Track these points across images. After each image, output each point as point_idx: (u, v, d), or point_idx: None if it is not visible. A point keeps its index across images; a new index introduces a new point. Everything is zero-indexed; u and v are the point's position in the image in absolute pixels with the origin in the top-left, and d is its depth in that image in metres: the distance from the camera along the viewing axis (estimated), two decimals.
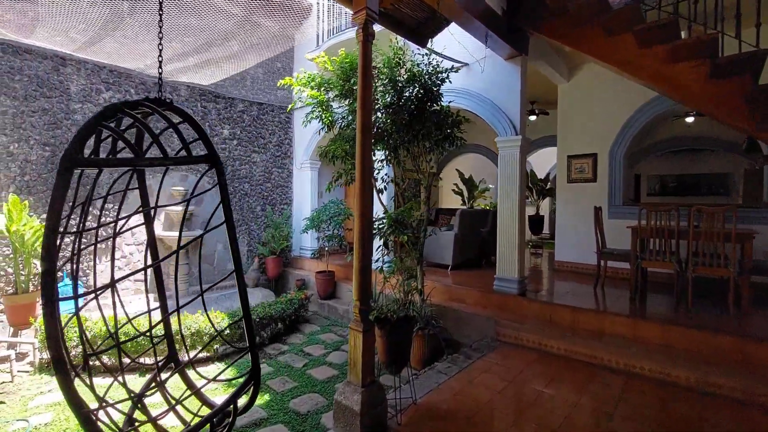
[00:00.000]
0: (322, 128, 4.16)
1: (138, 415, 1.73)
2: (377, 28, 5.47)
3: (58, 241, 1.35)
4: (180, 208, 6.32)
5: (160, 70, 1.82)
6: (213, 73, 6.20)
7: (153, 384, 1.95)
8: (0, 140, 4.84)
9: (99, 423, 1.28)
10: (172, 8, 4.85)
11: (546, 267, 7.15)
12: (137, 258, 6.12)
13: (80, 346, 4.34)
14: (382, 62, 4.05)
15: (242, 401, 1.81)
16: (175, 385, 3.42)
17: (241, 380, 1.74)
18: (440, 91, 4.21)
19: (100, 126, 1.59)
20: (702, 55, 3.23)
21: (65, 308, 5.23)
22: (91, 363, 1.68)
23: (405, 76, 4.12)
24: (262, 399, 3.73)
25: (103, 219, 5.60)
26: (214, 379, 1.89)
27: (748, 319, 3.98)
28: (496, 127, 4.85)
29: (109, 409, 1.47)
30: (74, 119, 5.40)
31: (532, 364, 3.81)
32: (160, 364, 2.14)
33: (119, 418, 1.63)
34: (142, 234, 6.15)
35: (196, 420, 1.67)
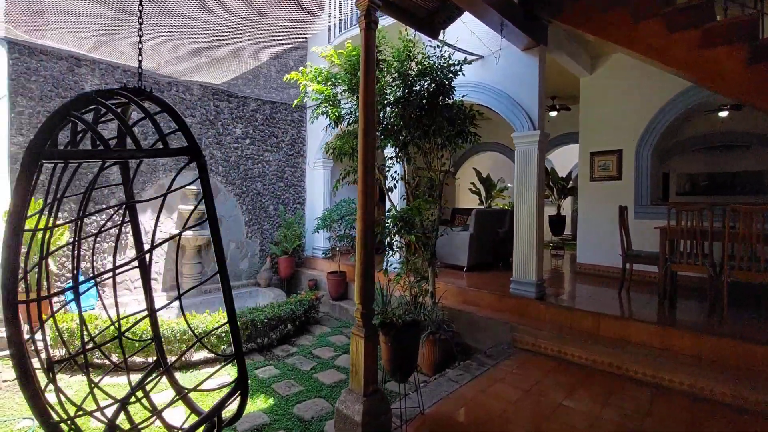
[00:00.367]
0: (330, 124, 4.03)
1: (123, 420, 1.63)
2: (389, 21, 5.34)
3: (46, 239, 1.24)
4: (189, 207, 6.31)
5: (140, 58, 1.72)
6: (225, 72, 6.18)
7: (150, 384, 1.84)
8: (17, 140, 4.91)
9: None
10: (183, 6, 4.82)
11: (567, 269, 6.83)
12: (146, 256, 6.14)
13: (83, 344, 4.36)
14: (392, 55, 3.89)
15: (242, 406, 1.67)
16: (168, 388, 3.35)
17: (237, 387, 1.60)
18: (453, 85, 4.02)
19: (70, 116, 1.47)
20: (740, 38, 2.93)
21: (84, 306, 5.29)
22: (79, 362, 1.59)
23: (416, 70, 3.94)
24: (266, 403, 3.63)
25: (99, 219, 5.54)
26: (195, 389, 1.77)
27: None
28: (513, 122, 4.62)
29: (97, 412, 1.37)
30: (88, 118, 5.45)
31: (550, 373, 3.58)
32: (148, 367, 2.02)
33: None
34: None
35: None
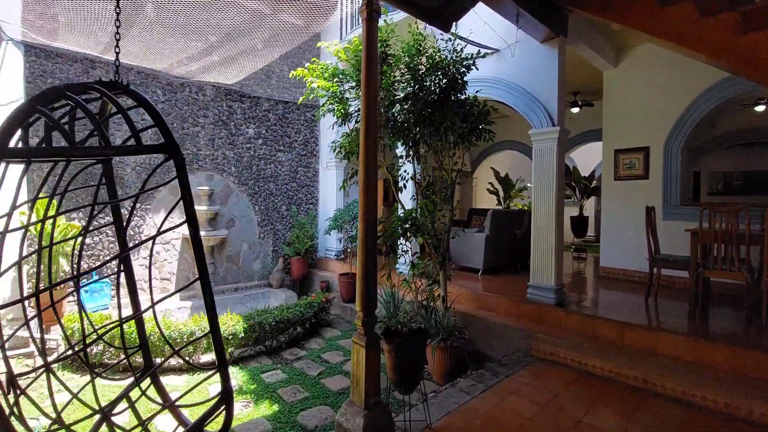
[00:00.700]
0: (337, 122, 3.90)
1: None
2: (398, 16, 5.18)
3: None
4: (204, 208, 6.32)
5: (117, 50, 1.62)
6: (238, 71, 6.14)
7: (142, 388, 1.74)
8: (33, 143, 4.98)
9: None
10: (196, 6, 4.79)
11: (590, 273, 6.51)
12: (164, 257, 6.18)
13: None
14: (401, 49, 3.73)
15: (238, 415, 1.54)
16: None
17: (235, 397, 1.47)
18: (465, 80, 3.83)
19: (36, 111, 1.37)
20: None
21: (91, 306, 5.34)
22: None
23: (427, 65, 3.77)
24: (270, 409, 3.53)
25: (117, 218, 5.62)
26: (172, 405, 1.65)
27: None
28: (531, 118, 4.38)
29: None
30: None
31: (569, 385, 3.34)
32: (136, 374, 1.91)
33: None
34: (168, 234, 6.21)
35: None
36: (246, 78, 6.43)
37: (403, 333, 2.56)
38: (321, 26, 6.20)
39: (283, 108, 7.39)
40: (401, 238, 3.28)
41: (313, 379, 4.12)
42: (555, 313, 4.24)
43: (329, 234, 6.73)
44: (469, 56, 3.82)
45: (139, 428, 1.43)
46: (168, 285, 6.24)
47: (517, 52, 4.43)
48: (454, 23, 3.86)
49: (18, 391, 1.38)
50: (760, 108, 6.23)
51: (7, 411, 1.26)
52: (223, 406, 1.72)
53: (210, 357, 4.44)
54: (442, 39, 4.00)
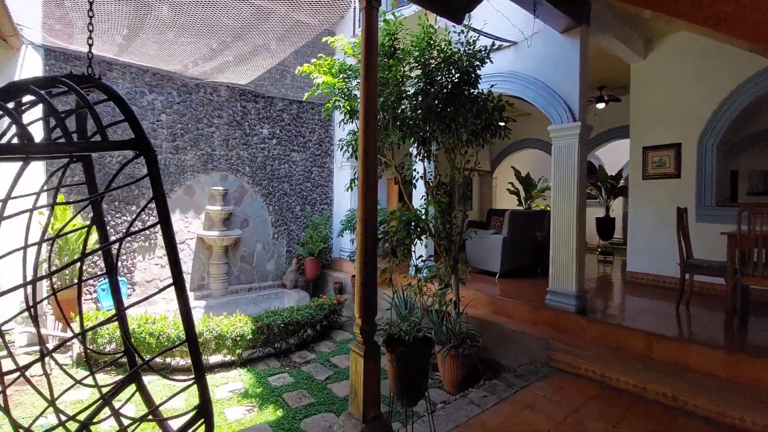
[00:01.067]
0: (344, 120, 3.78)
1: None
2: (409, 11, 5.02)
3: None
4: (218, 208, 6.33)
5: (90, 41, 1.54)
6: (251, 70, 6.12)
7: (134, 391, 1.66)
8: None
9: None
10: (211, 6, 4.78)
11: (616, 278, 6.15)
12: (180, 256, 6.21)
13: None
14: (411, 43, 3.57)
15: None
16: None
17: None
18: (478, 74, 3.63)
19: None
20: None
21: (107, 304, 5.41)
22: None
23: (438, 58, 3.60)
24: (273, 415, 3.43)
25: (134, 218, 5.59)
26: (143, 419, 1.55)
27: None
28: (550, 113, 4.14)
29: None
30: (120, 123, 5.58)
31: (591, 400, 3.10)
32: (116, 386, 1.82)
33: None
34: (183, 233, 6.25)
35: None
36: (260, 78, 6.40)
37: (407, 341, 2.40)
38: (335, 24, 6.10)
39: (297, 107, 7.35)
40: (406, 240, 3.11)
41: (320, 384, 4.01)
42: (576, 321, 3.98)
43: (342, 235, 6.63)
44: (483, 49, 3.62)
45: None
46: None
47: (535, 43, 4.19)
48: (466, 14, 3.67)
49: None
50: None
51: None
52: (202, 420, 1.60)
53: (217, 358, 4.40)
54: (454, 32, 3.81)
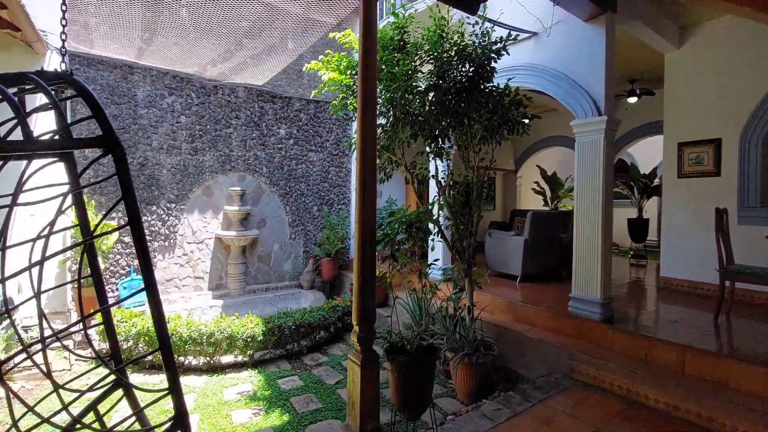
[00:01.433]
0: (353, 117, 3.67)
1: None
2: (422, 5, 4.85)
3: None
4: (236, 208, 6.36)
5: (64, 37, 1.48)
6: (269, 71, 6.12)
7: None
8: None
9: None
10: (228, 10, 4.80)
11: (649, 284, 5.76)
12: (197, 256, 6.30)
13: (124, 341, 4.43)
14: (422, 36, 3.42)
15: None
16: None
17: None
18: (493, 66, 3.44)
19: None
20: None
21: (131, 302, 5.53)
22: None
23: (451, 52, 3.42)
24: (279, 419, 3.36)
25: (165, 216, 5.67)
26: (111, 431, 1.47)
27: None
28: (573, 107, 3.88)
29: None
30: (141, 124, 5.71)
31: (615, 418, 2.85)
32: (104, 390, 1.76)
33: None
34: (202, 233, 6.33)
35: None
36: (277, 78, 6.39)
37: (409, 350, 2.26)
38: (352, 22, 6.01)
39: (314, 107, 7.32)
40: (409, 243, 2.96)
41: (330, 389, 3.91)
42: (601, 331, 3.70)
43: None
44: (499, 40, 3.42)
45: None
46: (201, 283, 6.36)
47: (556, 33, 3.94)
48: (481, 4, 3.48)
49: None
50: None
51: None
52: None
53: (229, 359, 4.39)
54: (468, 23, 3.63)
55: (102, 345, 4.56)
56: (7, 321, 3.99)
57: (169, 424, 1.48)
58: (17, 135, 1.20)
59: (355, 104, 3.49)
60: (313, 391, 3.88)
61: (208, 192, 6.37)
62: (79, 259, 5.08)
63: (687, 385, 2.96)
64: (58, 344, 4.48)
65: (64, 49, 1.47)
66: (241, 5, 4.76)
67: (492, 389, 3.50)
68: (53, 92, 1.63)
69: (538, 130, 9.99)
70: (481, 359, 3.44)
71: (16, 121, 1.27)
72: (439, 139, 3.44)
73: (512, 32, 3.53)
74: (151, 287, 1.39)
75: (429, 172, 3.67)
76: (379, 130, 3.67)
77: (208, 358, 4.32)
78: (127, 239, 5.66)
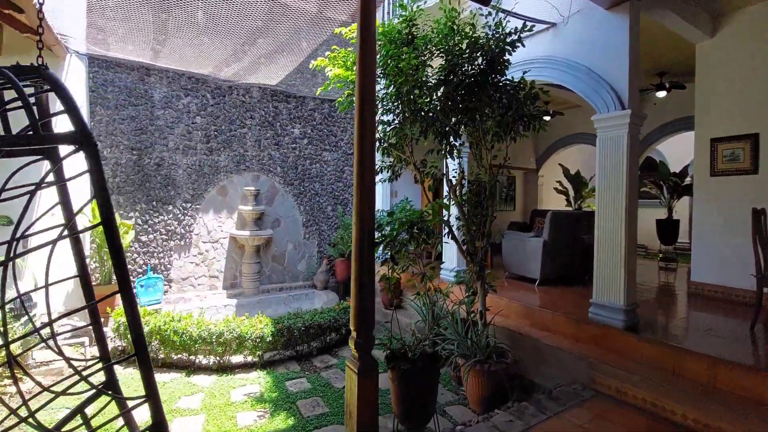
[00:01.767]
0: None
1: None
2: (432, 1, 4.70)
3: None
4: (250, 208, 6.37)
5: (41, 30, 1.43)
6: (282, 70, 6.10)
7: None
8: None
9: None
10: (243, 8, 4.79)
11: (680, 289, 5.42)
12: (212, 255, 6.35)
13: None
14: (431, 29, 3.29)
15: None
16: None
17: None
18: (506, 58, 3.27)
19: None
20: None
21: (144, 300, 5.61)
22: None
23: (462, 44, 3.28)
24: (284, 423, 3.29)
25: (180, 215, 5.68)
26: None
27: None
28: (594, 101, 3.66)
29: None
30: (157, 125, 5.79)
31: None
32: (94, 393, 1.71)
33: None
34: (217, 232, 6.38)
35: None
36: (291, 77, 6.36)
37: (411, 358, 2.14)
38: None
39: (329, 106, 7.27)
40: (411, 245, 2.83)
41: (337, 393, 3.82)
42: (624, 339, 3.47)
43: None
44: (513, 31, 3.25)
45: None
46: (216, 282, 6.41)
47: (575, 23, 3.73)
48: None
49: None
50: None
51: None
52: None
53: (239, 359, 4.37)
54: (481, 14, 3.47)
55: (117, 342, 4.63)
56: (25, 317, 4.09)
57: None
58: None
59: None
60: (321, 394, 3.80)
61: (223, 192, 6.41)
62: (98, 257, 5.19)
63: (719, 400, 2.72)
64: (73, 340, 4.58)
65: (40, 44, 1.42)
66: (255, 4, 4.75)
67: (505, 398, 3.33)
68: (34, 86, 1.59)
69: (561, 128, 9.65)
70: (494, 367, 3.27)
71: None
72: (450, 136, 3.30)
73: (527, 23, 3.35)
74: (125, 289, 1.32)
75: (440, 170, 3.53)
76: (387, 127, 3.57)
77: (217, 358, 4.31)
78: (144, 238, 5.75)
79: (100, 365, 1.59)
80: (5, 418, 1.29)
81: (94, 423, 1.58)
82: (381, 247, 5.90)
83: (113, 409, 1.56)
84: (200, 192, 6.19)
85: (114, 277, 5.19)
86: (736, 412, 2.58)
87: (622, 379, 3.14)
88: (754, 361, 2.98)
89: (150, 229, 5.81)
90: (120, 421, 1.48)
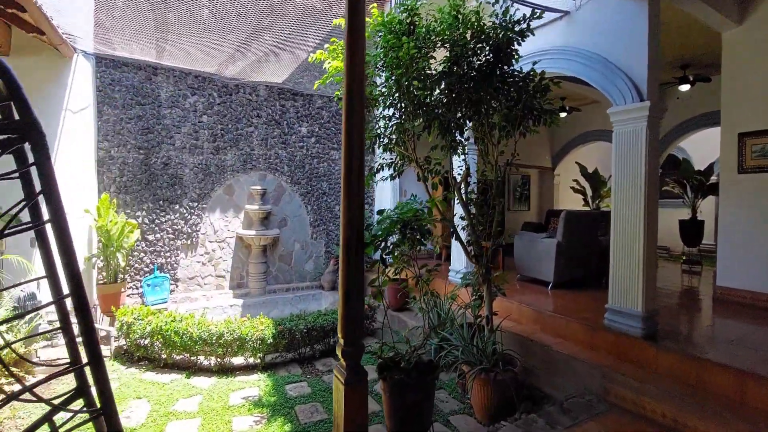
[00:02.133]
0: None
1: None
2: None
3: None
4: (256, 207, 6.32)
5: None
6: (289, 68, 6.02)
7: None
8: (103, 145, 5.40)
9: None
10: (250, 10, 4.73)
11: (705, 293, 5.10)
12: (219, 255, 6.31)
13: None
14: (434, 18, 3.12)
15: None
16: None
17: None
18: (516, 49, 3.08)
19: None
20: None
21: (151, 299, 5.61)
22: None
23: (466, 33, 3.10)
24: (280, 429, 3.18)
25: (188, 216, 5.66)
26: None
27: None
28: (610, 92, 3.44)
29: None
30: (164, 124, 5.78)
31: None
32: (64, 399, 1.60)
33: None
34: (224, 232, 6.34)
35: None
36: (298, 75, 6.28)
37: (405, 368, 1.98)
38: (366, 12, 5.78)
39: (336, 104, 7.16)
40: (405, 246, 2.67)
41: None
42: (642, 349, 3.24)
43: None
44: (522, 18, 3.05)
45: None
46: (222, 282, 6.38)
47: (590, 10, 3.50)
48: None
49: None
50: None
51: None
52: None
53: (240, 360, 4.29)
54: (488, 2, 3.28)
55: (122, 342, 4.60)
56: (30, 315, 4.09)
57: None
58: None
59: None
60: (321, 399, 3.67)
61: (230, 191, 6.37)
62: (104, 256, 5.20)
63: (748, 418, 2.48)
64: (80, 340, 4.58)
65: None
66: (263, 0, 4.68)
67: (513, 408, 3.14)
68: None
69: (578, 124, 9.33)
70: (500, 376, 3.09)
71: None
72: (455, 131, 3.12)
73: (537, 10, 3.14)
74: (76, 294, 1.21)
75: (443, 168, 3.36)
76: (389, 123, 3.42)
77: (218, 359, 4.24)
78: (151, 237, 5.75)
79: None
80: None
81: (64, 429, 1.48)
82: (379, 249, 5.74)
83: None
84: (207, 191, 6.16)
85: (119, 276, 5.19)
86: (762, 429, 2.34)
87: (639, 391, 2.92)
88: None
89: (157, 228, 5.80)
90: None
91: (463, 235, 3.52)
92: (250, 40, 5.30)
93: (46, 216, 1.19)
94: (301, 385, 3.97)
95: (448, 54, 3.17)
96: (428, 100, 3.00)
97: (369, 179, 3.49)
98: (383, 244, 2.68)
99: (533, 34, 3.14)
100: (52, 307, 4.30)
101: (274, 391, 3.85)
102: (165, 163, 5.84)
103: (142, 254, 5.74)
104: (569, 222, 5.09)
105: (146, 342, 4.38)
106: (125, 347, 4.60)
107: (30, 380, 3.97)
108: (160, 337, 4.27)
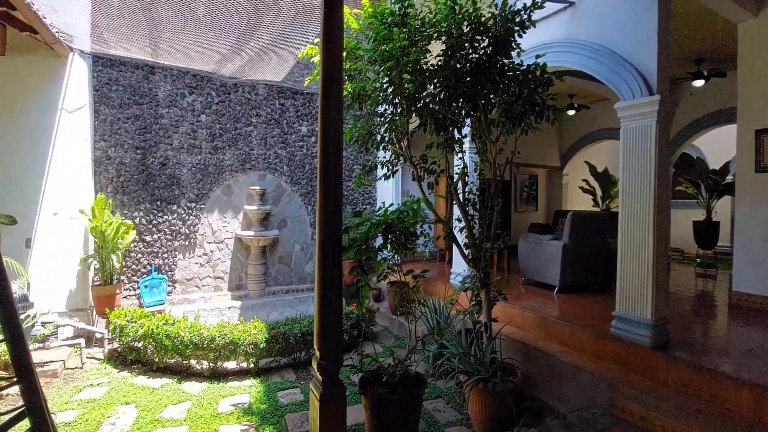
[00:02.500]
0: (354, 107, 3.30)
1: None
2: None
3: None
4: (255, 208, 6.22)
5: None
6: (287, 65, 5.91)
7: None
8: (100, 145, 5.34)
9: None
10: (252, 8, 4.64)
11: (720, 299, 4.85)
12: (217, 256, 6.23)
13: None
14: (430, 10, 2.97)
15: None
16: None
17: None
18: (516, 41, 2.91)
19: None
20: None
21: (148, 301, 5.54)
22: None
23: (464, 25, 2.94)
24: None
25: (190, 219, 5.61)
26: None
27: None
28: (617, 86, 3.25)
29: None
30: (162, 123, 5.72)
31: None
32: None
33: None
34: (222, 233, 6.26)
35: None
36: (298, 72, 6.16)
37: (389, 382, 1.83)
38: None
39: None
40: (388, 249, 2.52)
41: None
42: (651, 359, 3.04)
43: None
44: (523, 9, 2.88)
45: None
46: (221, 283, 6.29)
47: (594, 0, 3.31)
48: None
49: None
50: None
51: None
52: None
53: (232, 365, 4.17)
54: None
55: (115, 345, 4.53)
56: (23, 315, 4.02)
57: None
58: None
59: (350, 89, 3.11)
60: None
61: (229, 191, 6.29)
62: (99, 257, 5.13)
63: None
64: (74, 342, 4.51)
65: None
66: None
67: (513, 420, 2.97)
68: None
69: (587, 122, 9.07)
70: (499, 387, 2.92)
71: None
72: (450, 128, 2.96)
73: (538, 0, 2.97)
74: (4, 302, 1.09)
75: (439, 167, 3.20)
76: (383, 119, 3.27)
77: (211, 363, 4.13)
78: (148, 238, 5.68)
79: None
80: None
81: None
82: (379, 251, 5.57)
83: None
84: (205, 191, 6.09)
85: (114, 277, 5.11)
86: None
87: (647, 405, 2.72)
88: None
89: (154, 228, 5.74)
90: None
91: (460, 237, 3.35)
92: (247, 37, 5.21)
93: None
94: (294, 392, 3.84)
95: (443, 47, 3.01)
96: (422, 94, 2.85)
97: (361, 178, 3.35)
98: (364, 247, 2.54)
99: (534, 26, 2.97)
100: (49, 308, 4.20)
101: (265, 398, 3.73)
102: (162, 163, 5.77)
103: (140, 255, 5.68)
104: (576, 223, 4.89)
105: (139, 345, 4.30)
106: (119, 350, 4.53)
107: None
108: (151, 340, 4.19)
